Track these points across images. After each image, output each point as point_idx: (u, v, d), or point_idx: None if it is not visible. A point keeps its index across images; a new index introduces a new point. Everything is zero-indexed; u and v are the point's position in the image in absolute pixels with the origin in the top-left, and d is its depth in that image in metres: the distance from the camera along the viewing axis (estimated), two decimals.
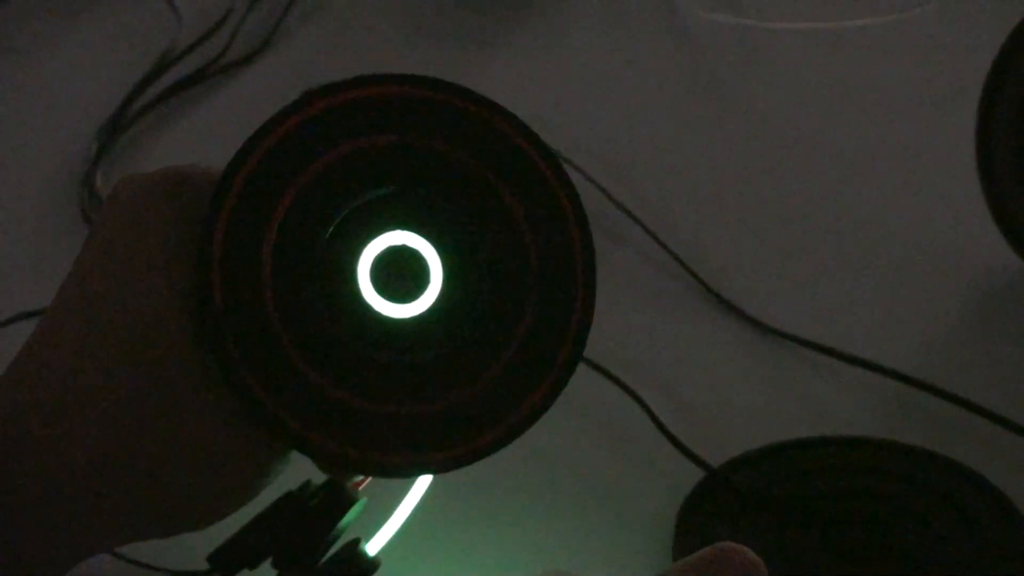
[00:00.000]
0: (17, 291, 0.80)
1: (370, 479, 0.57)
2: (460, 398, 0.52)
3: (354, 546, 0.57)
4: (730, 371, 0.80)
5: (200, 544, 0.55)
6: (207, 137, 1.00)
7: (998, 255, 0.82)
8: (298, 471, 0.56)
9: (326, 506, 0.56)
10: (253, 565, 0.55)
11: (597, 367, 0.76)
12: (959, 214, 0.86)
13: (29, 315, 0.79)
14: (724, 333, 0.82)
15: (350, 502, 0.56)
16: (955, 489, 0.68)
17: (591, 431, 0.75)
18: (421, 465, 0.53)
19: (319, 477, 0.57)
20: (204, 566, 0.56)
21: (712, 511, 0.68)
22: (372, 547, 0.59)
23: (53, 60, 0.97)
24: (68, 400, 0.50)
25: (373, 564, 0.57)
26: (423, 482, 0.60)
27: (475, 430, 0.52)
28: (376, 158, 0.53)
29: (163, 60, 1.08)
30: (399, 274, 0.53)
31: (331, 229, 0.52)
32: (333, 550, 0.57)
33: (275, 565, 0.56)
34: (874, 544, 0.66)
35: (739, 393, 0.78)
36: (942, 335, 0.82)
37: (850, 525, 0.67)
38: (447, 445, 0.52)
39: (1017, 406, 0.73)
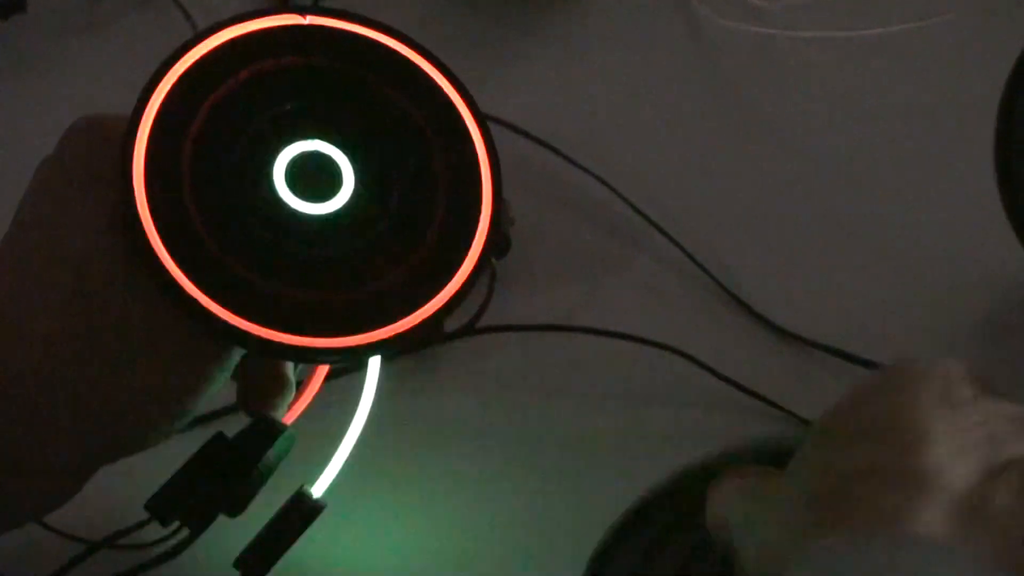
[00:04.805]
0: None
1: (299, 413, 0.62)
2: (380, 287, 0.56)
3: (299, 491, 0.61)
4: (744, 372, 0.80)
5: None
6: None
7: (1017, 264, 0.81)
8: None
9: (255, 435, 0.60)
10: (189, 509, 0.58)
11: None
12: (979, 223, 0.86)
13: None
14: (740, 335, 0.82)
15: (279, 431, 0.60)
16: None
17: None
18: (346, 349, 0.56)
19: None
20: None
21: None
22: (317, 491, 0.62)
23: (67, 71, 0.97)
24: (11, 320, 0.54)
25: (318, 505, 0.61)
26: (359, 421, 0.63)
27: (393, 316, 0.56)
28: (285, 78, 0.58)
29: None
30: (313, 178, 0.57)
31: (246, 140, 0.57)
32: (282, 503, 0.60)
33: (211, 505, 0.59)
34: None
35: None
36: (960, 342, 0.81)
37: None
38: (367, 329, 0.56)
39: None
